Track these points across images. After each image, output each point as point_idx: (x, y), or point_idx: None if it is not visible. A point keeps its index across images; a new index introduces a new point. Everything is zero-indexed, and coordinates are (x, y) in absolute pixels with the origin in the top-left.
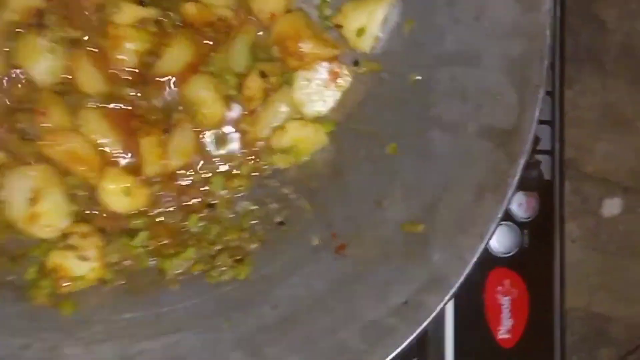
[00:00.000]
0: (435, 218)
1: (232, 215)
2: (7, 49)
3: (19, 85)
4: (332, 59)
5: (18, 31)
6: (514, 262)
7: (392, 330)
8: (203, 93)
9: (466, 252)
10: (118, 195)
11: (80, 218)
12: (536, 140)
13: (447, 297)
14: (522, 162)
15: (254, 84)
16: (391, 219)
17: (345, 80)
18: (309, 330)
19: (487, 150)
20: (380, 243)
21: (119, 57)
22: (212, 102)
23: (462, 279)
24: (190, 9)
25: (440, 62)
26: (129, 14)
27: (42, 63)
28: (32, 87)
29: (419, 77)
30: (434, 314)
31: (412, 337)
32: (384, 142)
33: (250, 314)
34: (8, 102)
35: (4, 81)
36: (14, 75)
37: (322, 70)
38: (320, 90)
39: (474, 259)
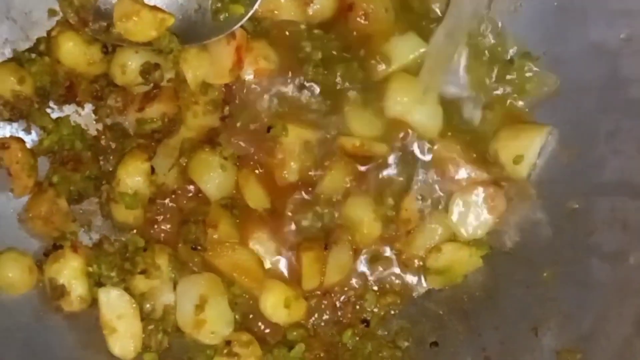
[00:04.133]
0: (593, 348)
1: (385, 333)
2: (184, 164)
3: (192, 199)
4: (488, 184)
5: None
6: None
7: None
8: (362, 214)
9: None
10: (278, 307)
11: (241, 326)
12: None
13: None
14: None
15: (411, 206)
16: (547, 345)
17: (501, 205)
18: None
19: None
20: None
21: (284, 174)
22: (370, 223)
23: None
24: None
25: (599, 191)
26: (295, 135)
27: (213, 178)
28: (203, 200)
29: (577, 206)
30: None
31: None
32: (540, 268)
33: None
34: (182, 214)
35: (179, 194)
36: (189, 189)
37: (479, 194)
38: (476, 214)
39: None
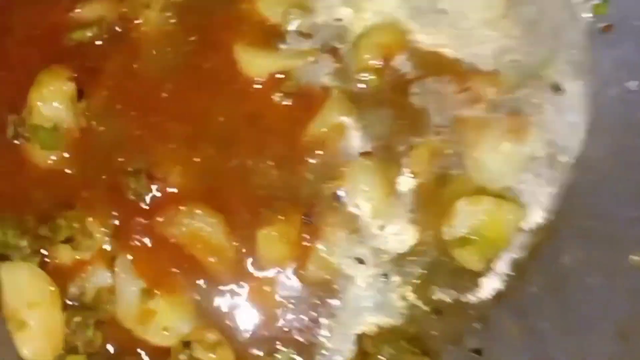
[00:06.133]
0: None
1: (413, 330)
2: None
3: None
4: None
5: None
6: None
7: None
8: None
9: None
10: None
11: (205, 323)
12: None
13: None
14: None
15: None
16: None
17: (526, 132)
18: None
19: None
20: None
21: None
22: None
23: None
24: None
25: None
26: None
27: None
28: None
29: None
30: None
31: None
32: (626, 248)
33: None
34: None
35: None
36: None
37: (501, 129)
38: (500, 157)
39: None
